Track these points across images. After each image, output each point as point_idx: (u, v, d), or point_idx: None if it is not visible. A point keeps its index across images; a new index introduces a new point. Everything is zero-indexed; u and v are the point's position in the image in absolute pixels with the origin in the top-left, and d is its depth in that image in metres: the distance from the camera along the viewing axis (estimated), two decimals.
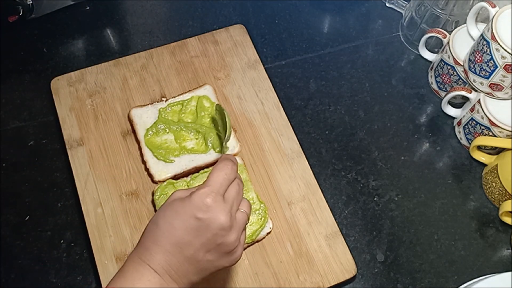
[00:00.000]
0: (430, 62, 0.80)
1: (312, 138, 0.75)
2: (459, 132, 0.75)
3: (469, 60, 0.69)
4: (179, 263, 0.46)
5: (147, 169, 0.68)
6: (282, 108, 0.74)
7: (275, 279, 0.62)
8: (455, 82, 0.75)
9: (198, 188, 0.47)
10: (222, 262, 0.48)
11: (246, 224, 0.50)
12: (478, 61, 0.67)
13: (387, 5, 0.87)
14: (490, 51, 0.64)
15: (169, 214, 0.47)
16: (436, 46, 0.81)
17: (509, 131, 0.67)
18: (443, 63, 0.75)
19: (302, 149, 0.71)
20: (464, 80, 0.73)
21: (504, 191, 0.67)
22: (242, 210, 0.50)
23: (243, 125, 0.73)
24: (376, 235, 0.68)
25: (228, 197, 0.48)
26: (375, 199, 0.71)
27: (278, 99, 0.75)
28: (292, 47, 0.83)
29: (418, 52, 0.81)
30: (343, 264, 0.63)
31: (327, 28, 0.86)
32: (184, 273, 0.47)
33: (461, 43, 0.73)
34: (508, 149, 0.67)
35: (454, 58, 0.72)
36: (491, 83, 0.67)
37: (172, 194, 0.49)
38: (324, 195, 0.68)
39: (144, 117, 0.71)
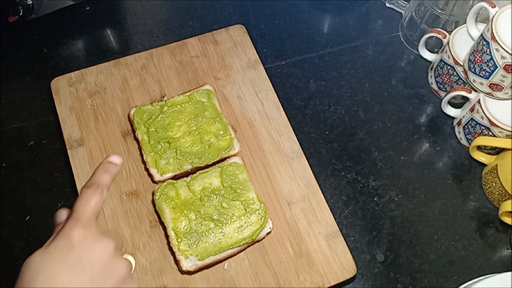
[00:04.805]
0: (430, 62, 0.80)
1: (312, 138, 0.75)
2: (459, 132, 0.75)
3: (469, 60, 0.69)
4: None
5: (147, 169, 0.68)
6: (282, 108, 0.74)
7: (275, 279, 0.62)
8: (455, 82, 0.75)
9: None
10: None
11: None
12: (478, 61, 0.67)
13: (387, 5, 0.87)
14: (490, 51, 0.64)
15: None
16: (436, 46, 0.81)
17: (509, 131, 0.67)
18: (443, 63, 0.75)
19: (302, 149, 0.71)
20: (464, 80, 0.73)
21: (504, 191, 0.67)
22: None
23: (243, 125, 0.73)
24: (376, 235, 0.68)
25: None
26: (375, 199, 0.71)
27: (278, 99, 0.75)
28: (292, 47, 0.83)
29: (418, 52, 0.81)
30: (343, 264, 0.63)
31: (327, 28, 0.86)
32: None
33: (461, 43, 0.73)
34: (508, 149, 0.67)
35: (454, 58, 0.72)
36: (491, 83, 0.67)
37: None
38: (324, 195, 0.68)
39: None
